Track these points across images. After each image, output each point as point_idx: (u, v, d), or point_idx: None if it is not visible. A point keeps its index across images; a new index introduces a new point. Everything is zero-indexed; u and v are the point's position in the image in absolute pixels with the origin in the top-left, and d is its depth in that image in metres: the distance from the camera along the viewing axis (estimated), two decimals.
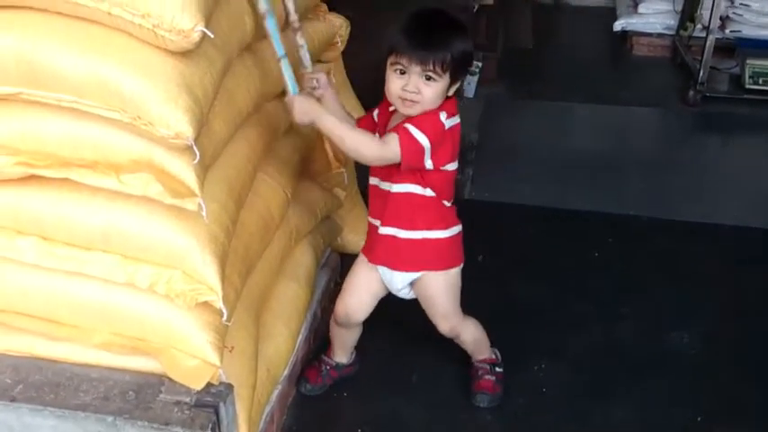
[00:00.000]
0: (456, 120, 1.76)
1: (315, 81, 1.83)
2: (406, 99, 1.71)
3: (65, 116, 1.47)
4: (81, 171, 1.50)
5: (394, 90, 1.71)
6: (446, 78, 1.70)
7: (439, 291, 1.91)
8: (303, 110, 1.74)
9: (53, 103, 1.45)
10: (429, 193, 1.79)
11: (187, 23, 1.35)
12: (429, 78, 1.69)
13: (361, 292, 1.96)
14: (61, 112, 1.46)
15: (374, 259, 1.91)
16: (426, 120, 1.72)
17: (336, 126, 1.73)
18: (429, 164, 1.74)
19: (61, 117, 1.47)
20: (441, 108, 1.74)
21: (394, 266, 1.88)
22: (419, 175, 1.77)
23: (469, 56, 1.75)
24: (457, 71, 1.72)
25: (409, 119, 1.73)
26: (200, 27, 1.36)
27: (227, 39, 1.58)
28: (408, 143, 1.70)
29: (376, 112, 1.87)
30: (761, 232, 2.90)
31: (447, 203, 1.84)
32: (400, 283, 1.91)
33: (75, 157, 1.49)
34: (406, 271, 1.88)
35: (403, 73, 1.69)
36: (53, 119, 1.47)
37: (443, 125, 1.73)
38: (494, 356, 2.10)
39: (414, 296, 1.95)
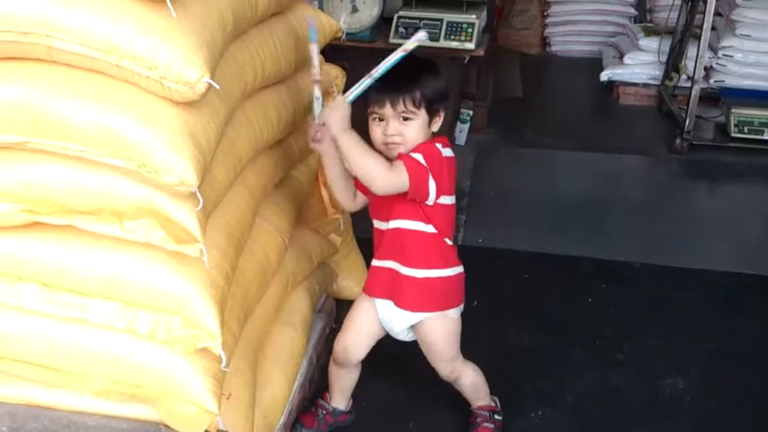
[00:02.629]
0: (450, 152, 1.81)
1: (319, 134, 1.82)
2: (389, 143, 1.77)
3: (70, 164, 1.49)
4: (84, 218, 1.51)
5: (376, 138, 1.79)
6: (422, 114, 1.77)
7: (440, 334, 1.91)
8: (340, 117, 1.72)
9: (59, 152, 1.47)
10: (431, 229, 1.81)
11: (193, 75, 1.38)
12: (406, 119, 1.75)
13: (360, 330, 1.97)
14: (67, 161, 1.49)
15: (374, 292, 1.91)
16: (422, 148, 1.76)
17: (358, 144, 1.72)
18: (432, 189, 1.75)
19: (67, 165, 1.49)
20: (433, 140, 1.80)
21: (396, 302, 1.88)
22: (421, 210, 1.79)
23: (441, 89, 1.80)
24: (432, 105, 1.78)
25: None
26: (206, 78, 1.39)
27: (230, 89, 1.62)
28: (414, 167, 1.72)
29: None
30: (750, 278, 2.93)
31: (449, 241, 1.86)
32: (399, 326, 1.91)
33: (79, 204, 1.51)
34: (408, 310, 1.88)
35: (381, 120, 1.77)
36: (59, 167, 1.50)
37: (440, 152, 1.78)
38: (493, 404, 2.09)
39: (412, 338, 1.95)
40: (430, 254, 1.84)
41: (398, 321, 1.91)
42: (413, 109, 1.75)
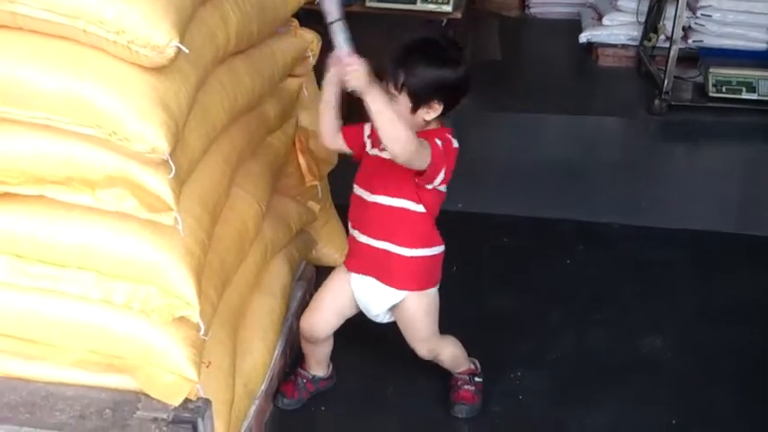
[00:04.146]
0: (456, 141, 1.79)
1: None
2: None
3: (39, 133, 1.46)
4: (55, 188, 1.49)
5: None
6: (403, 99, 1.69)
7: (420, 313, 1.91)
8: (363, 72, 1.60)
9: (27, 121, 1.44)
10: (421, 209, 1.80)
11: (162, 39, 1.35)
12: (389, 93, 1.69)
13: (327, 309, 1.97)
14: (35, 129, 1.45)
15: (359, 269, 1.90)
16: (442, 137, 1.73)
17: (387, 105, 1.62)
18: (440, 178, 1.75)
19: (35, 134, 1.46)
20: (433, 134, 1.74)
21: (384, 280, 1.87)
22: (415, 190, 1.78)
23: (435, 82, 1.68)
24: (418, 95, 1.69)
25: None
26: (175, 42, 1.36)
27: (201, 54, 1.58)
28: (438, 154, 1.70)
29: (368, 128, 1.82)
30: (728, 236, 2.96)
31: (432, 221, 1.86)
32: (380, 306, 1.91)
33: (49, 173, 1.48)
34: (396, 288, 1.87)
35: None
36: (27, 136, 1.46)
37: (453, 143, 1.76)
38: (473, 366, 2.11)
39: (389, 320, 1.96)
40: (419, 233, 1.84)
41: (380, 300, 1.90)
42: (392, 90, 1.69)
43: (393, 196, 1.79)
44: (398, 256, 1.84)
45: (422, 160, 1.69)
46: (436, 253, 1.89)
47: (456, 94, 1.75)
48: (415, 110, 1.72)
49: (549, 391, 2.17)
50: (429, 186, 1.77)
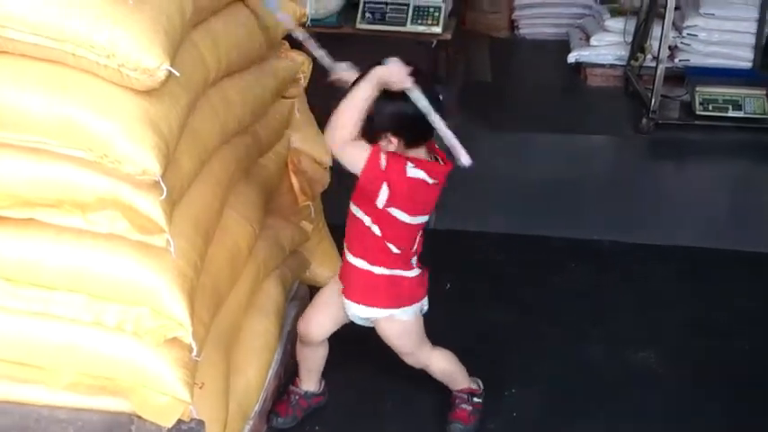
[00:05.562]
0: (418, 173, 1.71)
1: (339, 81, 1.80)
2: None
3: (29, 156, 1.46)
4: (46, 211, 1.49)
5: None
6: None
7: (390, 334, 1.94)
8: (389, 74, 1.64)
9: (18, 144, 1.45)
10: (376, 230, 1.79)
11: (153, 62, 1.36)
12: None
13: (322, 313, 2.00)
14: (25, 153, 1.46)
15: (339, 278, 1.95)
16: (392, 159, 1.69)
17: (361, 99, 1.63)
18: (383, 197, 1.72)
19: (25, 157, 1.46)
20: (407, 158, 1.72)
21: (343, 290, 1.92)
22: (370, 207, 1.77)
23: (393, 117, 1.67)
24: (371, 128, 1.67)
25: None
26: (166, 66, 1.38)
27: (192, 76, 1.60)
28: (372, 165, 1.68)
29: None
30: (716, 252, 2.98)
31: (395, 249, 1.82)
32: (351, 316, 1.95)
33: (39, 197, 1.48)
34: (351, 300, 1.91)
35: None
36: (17, 160, 1.47)
37: (405, 171, 1.70)
38: (474, 386, 2.11)
39: (370, 324, 1.96)
40: (371, 250, 1.84)
41: (352, 308, 1.93)
42: None
43: (356, 206, 1.82)
44: (353, 266, 1.87)
45: (350, 156, 1.68)
46: (396, 275, 1.85)
47: (415, 129, 1.71)
48: (370, 141, 1.69)
49: (544, 407, 2.17)
50: (378, 205, 1.74)
